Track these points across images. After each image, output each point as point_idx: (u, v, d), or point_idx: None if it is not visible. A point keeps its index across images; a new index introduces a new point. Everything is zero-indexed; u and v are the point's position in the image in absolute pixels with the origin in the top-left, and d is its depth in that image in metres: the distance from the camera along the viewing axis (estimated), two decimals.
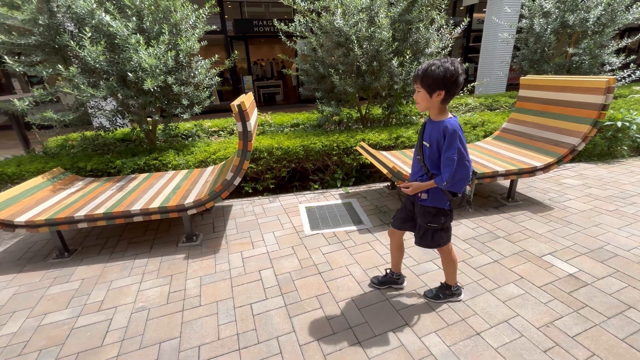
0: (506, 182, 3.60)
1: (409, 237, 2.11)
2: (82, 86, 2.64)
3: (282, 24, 4.20)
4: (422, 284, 2.08)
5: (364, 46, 3.63)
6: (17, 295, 2.15)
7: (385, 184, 3.84)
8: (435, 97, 1.45)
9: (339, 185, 3.82)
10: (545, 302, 1.89)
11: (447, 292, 1.90)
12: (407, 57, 3.73)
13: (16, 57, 2.70)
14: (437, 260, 2.30)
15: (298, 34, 4.21)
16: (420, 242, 1.74)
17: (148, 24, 3.10)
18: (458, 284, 1.94)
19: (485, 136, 4.10)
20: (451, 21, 4.11)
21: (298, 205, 3.37)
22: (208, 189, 2.61)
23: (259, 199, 3.53)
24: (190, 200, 2.50)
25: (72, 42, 2.66)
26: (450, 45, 4.09)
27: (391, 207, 3.21)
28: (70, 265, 2.47)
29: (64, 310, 2.00)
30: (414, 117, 4.71)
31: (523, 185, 3.59)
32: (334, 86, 4.15)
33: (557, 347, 1.59)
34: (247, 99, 2.44)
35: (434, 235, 1.68)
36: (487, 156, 3.22)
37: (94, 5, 2.61)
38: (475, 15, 12.33)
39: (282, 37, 4.19)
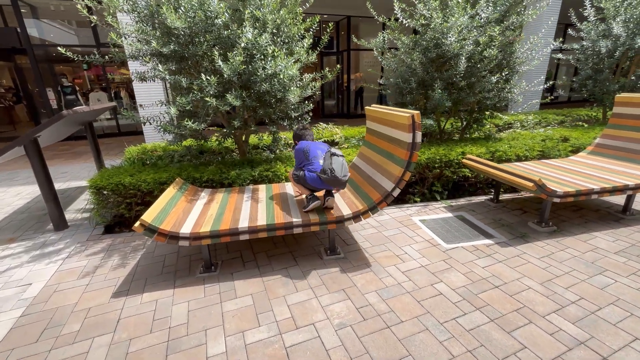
0: (616, 197, 3.67)
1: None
2: (227, 96, 2.60)
3: (363, 41, 4.34)
4: None
5: (464, 62, 3.73)
6: (194, 312, 2.03)
7: (485, 197, 3.85)
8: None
9: (438, 199, 3.81)
10: None
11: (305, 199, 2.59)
12: (504, 74, 3.84)
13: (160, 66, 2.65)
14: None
15: (380, 49, 4.35)
16: None
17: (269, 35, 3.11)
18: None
19: (573, 151, 4.20)
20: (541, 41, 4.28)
21: (410, 218, 3.34)
22: (362, 201, 2.56)
23: None
24: (348, 211, 2.45)
25: (216, 53, 2.64)
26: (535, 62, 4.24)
27: (509, 220, 3.21)
28: (223, 280, 2.36)
29: (260, 327, 1.89)
30: (492, 132, 4.80)
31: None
32: (414, 100, 4.25)
33: None
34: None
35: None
36: (601, 171, 3.28)
37: (247, 17, 2.62)
38: None
39: (375, 51, 4.29)
